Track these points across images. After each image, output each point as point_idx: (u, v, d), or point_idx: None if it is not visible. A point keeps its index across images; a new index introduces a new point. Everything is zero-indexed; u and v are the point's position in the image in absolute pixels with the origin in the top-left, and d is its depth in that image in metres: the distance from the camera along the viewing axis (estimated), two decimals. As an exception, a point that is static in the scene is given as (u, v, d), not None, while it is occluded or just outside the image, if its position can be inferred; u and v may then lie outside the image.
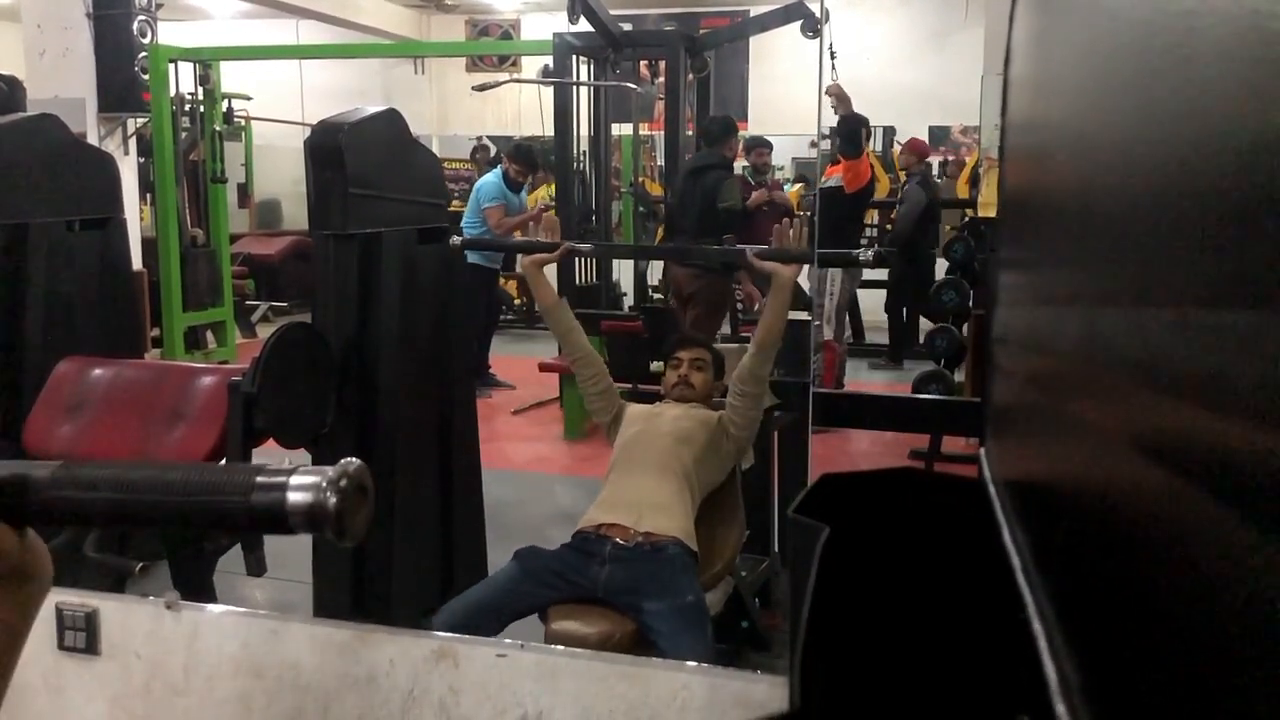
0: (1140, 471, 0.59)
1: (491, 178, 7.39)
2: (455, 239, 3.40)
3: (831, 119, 6.39)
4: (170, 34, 8.31)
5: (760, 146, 7.71)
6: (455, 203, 8.10)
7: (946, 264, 6.44)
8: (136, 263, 5.91)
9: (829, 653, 0.90)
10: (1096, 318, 0.75)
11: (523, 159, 7.38)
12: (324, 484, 0.63)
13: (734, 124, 6.38)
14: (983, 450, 1.40)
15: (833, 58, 5.75)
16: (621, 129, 7.34)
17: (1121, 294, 0.66)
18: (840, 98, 6.27)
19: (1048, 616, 0.74)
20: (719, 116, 6.54)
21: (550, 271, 3.32)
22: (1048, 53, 1.08)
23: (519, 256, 3.27)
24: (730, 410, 2.96)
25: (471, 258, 6.96)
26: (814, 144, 6.92)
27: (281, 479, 0.64)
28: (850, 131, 6.40)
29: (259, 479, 0.64)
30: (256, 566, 3.08)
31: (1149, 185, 0.61)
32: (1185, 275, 0.54)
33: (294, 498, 0.63)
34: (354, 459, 0.66)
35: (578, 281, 6.73)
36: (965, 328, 5.53)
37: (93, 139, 6.89)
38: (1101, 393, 0.71)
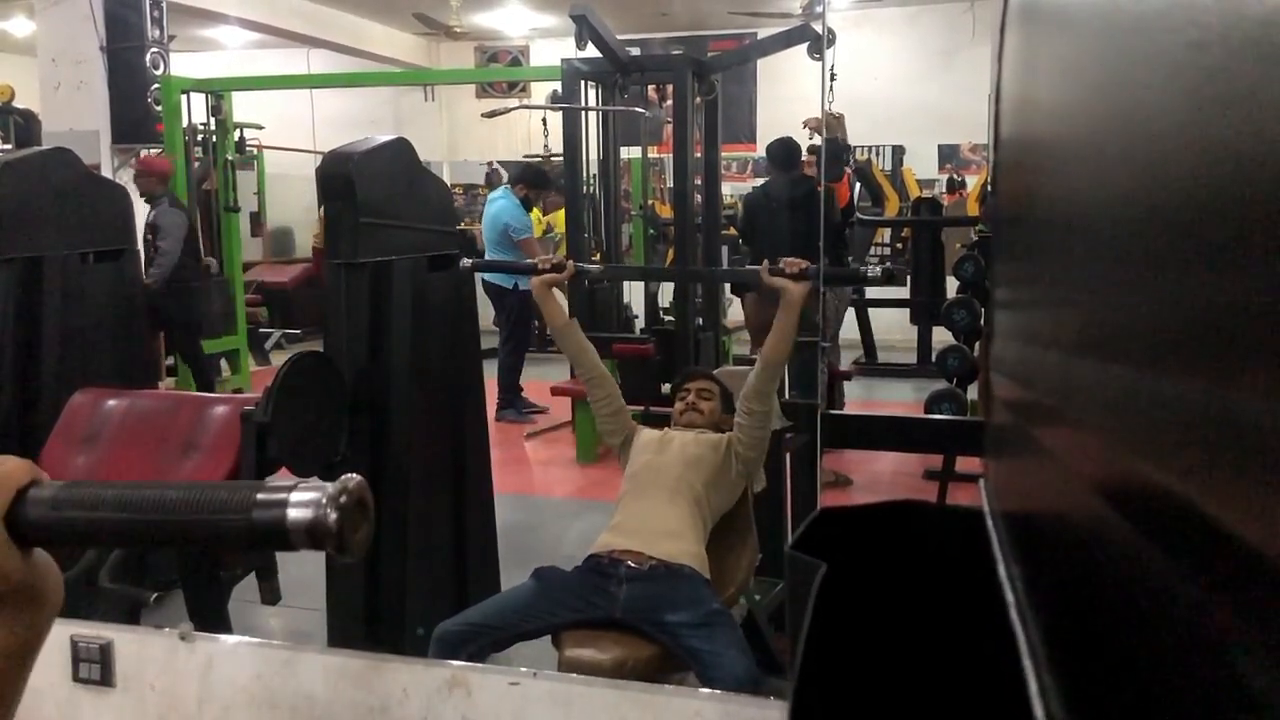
0: (1121, 510, 0.59)
1: (510, 205, 7.26)
2: (465, 261, 3.40)
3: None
4: (182, 65, 8.39)
5: None
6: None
7: (957, 283, 6.43)
8: (151, 293, 5.95)
9: (825, 688, 0.91)
10: (1076, 351, 0.74)
11: (534, 181, 7.30)
12: (324, 500, 0.63)
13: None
14: (982, 481, 1.39)
15: (833, 79, 5.79)
16: (630, 152, 7.36)
17: (1102, 325, 0.66)
18: (817, 129, 6.34)
19: (1038, 655, 0.74)
20: (785, 139, 6.50)
21: (561, 295, 3.35)
22: (1033, 73, 1.08)
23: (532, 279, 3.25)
24: (738, 430, 2.97)
25: (490, 279, 6.94)
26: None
27: (282, 495, 0.64)
28: (831, 155, 6.41)
29: (259, 496, 0.64)
30: (271, 595, 3.09)
31: (1126, 211, 0.60)
32: (1166, 309, 0.53)
33: (294, 514, 0.63)
34: (354, 475, 0.66)
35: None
36: (977, 346, 5.51)
37: (106, 170, 6.96)
38: (1083, 428, 0.71)
